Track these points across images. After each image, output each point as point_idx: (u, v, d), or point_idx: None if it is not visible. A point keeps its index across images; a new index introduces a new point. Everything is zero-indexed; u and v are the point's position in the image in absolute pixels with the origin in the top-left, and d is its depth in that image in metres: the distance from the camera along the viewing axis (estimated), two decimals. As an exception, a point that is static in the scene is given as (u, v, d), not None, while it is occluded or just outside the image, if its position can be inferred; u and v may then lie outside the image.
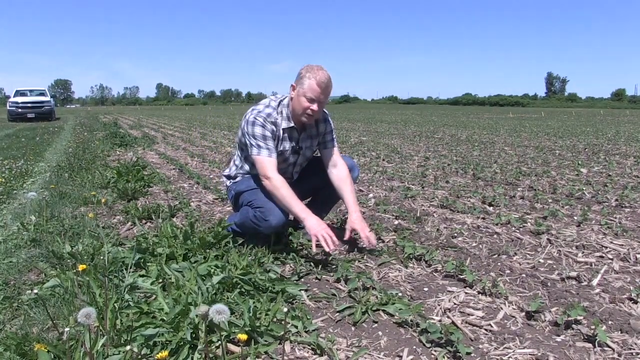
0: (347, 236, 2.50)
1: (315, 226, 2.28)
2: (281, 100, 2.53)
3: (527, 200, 3.93)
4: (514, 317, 1.87)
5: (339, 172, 2.62)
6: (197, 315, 1.52)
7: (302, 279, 2.27)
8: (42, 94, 22.37)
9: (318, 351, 1.62)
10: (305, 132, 2.61)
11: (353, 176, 2.70)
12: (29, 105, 20.44)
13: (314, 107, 2.39)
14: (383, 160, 6.64)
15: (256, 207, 2.43)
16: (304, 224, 2.32)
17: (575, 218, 3.27)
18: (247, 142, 2.45)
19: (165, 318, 1.64)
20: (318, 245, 2.27)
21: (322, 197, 2.82)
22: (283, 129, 2.51)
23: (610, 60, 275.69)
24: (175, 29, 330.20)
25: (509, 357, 1.59)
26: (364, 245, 2.51)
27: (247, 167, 2.65)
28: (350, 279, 2.16)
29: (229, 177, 2.76)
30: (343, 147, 8.52)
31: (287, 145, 2.56)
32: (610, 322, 1.80)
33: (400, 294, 2.05)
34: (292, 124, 2.51)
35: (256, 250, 2.43)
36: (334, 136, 2.72)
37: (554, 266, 2.41)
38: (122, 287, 1.94)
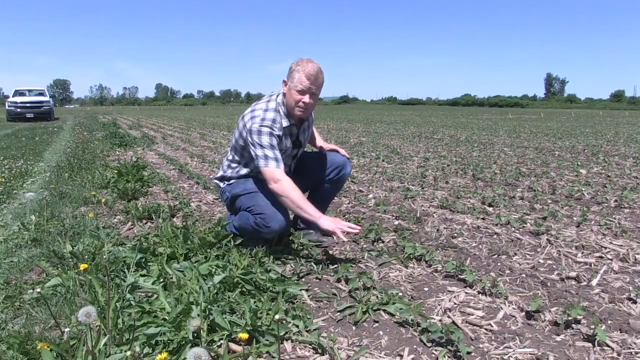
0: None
1: (331, 222, 2.32)
2: (277, 99, 2.50)
3: (526, 200, 3.94)
4: (514, 316, 1.88)
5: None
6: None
7: (303, 279, 2.28)
8: (41, 93, 22.35)
9: (319, 350, 1.63)
10: (303, 125, 2.63)
11: (345, 172, 2.76)
12: (27, 105, 20.42)
13: (306, 99, 2.38)
14: (383, 160, 6.65)
15: (256, 213, 2.40)
16: (318, 223, 2.32)
17: (575, 219, 3.28)
18: (253, 152, 2.39)
19: (166, 317, 1.65)
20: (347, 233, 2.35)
21: (322, 192, 2.81)
22: (284, 127, 2.49)
23: (610, 62, 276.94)
24: (174, 29, 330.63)
25: (509, 357, 1.60)
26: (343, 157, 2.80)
27: (244, 171, 2.60)
28: (350, 279, 2.16)
29: (222, 178, 2.70)
30: (343, 147, 8.51)
31: (289, 142, 2.56)
32: (609, 322, 1.81)
33: (400, 294, 2.06)
34: (291, 121, 2.50)
35: (257, 250, 2.43)
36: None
37: (554, 266, 2.42)
38: (124, 287, 1.94)
